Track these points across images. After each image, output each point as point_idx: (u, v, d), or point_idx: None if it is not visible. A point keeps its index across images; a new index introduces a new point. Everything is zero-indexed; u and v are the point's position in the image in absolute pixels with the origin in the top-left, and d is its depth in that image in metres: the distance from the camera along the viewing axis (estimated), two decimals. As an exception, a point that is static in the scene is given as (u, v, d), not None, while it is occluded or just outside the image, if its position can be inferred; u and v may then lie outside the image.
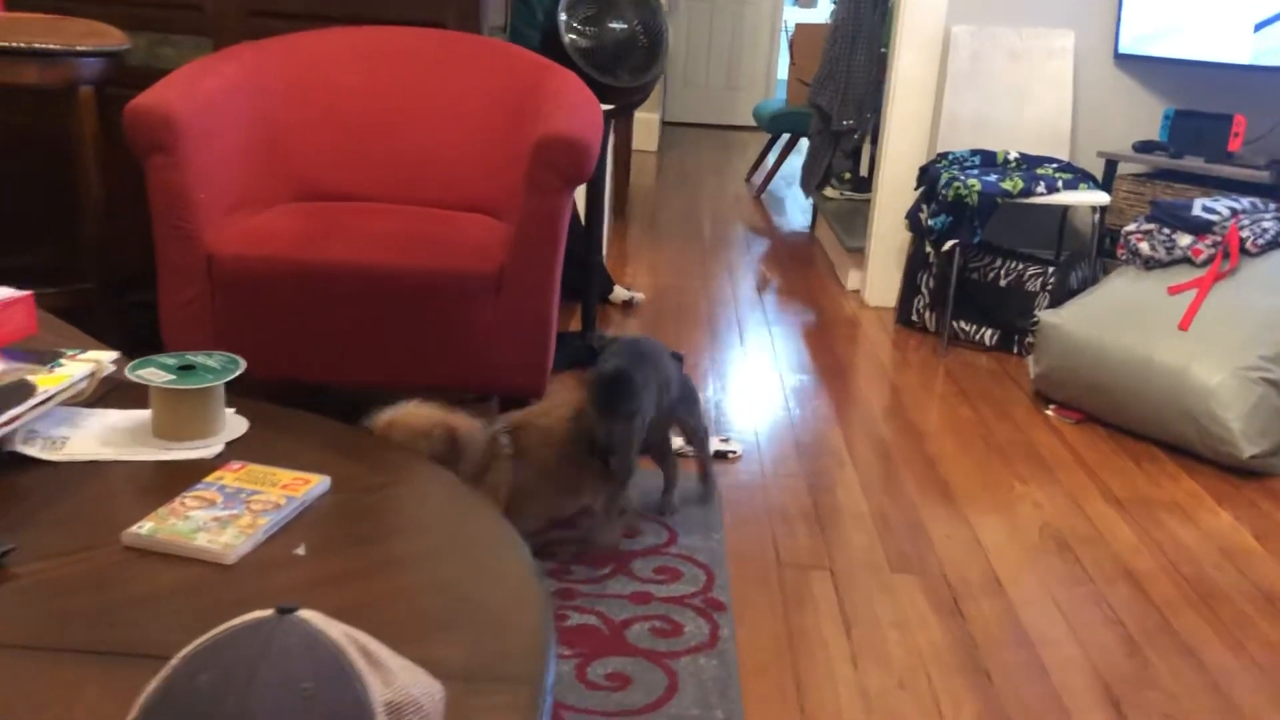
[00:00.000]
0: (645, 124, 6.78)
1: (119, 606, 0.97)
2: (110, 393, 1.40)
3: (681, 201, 5.55)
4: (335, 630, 0.73)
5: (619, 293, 3.73)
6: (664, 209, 5.35)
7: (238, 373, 1.28)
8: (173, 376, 1.26)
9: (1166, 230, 2.92)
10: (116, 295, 2.59)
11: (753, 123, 7.94)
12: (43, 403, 1.24)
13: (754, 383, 3.09)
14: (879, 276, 3.87)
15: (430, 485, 1.24)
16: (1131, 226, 3.02)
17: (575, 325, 3.37)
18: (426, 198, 2.57)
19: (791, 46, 5.76)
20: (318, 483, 1.18)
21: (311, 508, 1.16)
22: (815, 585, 2.05)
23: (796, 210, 5.56)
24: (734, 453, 2.56)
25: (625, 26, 2.85)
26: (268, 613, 0.73)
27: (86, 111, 2.41)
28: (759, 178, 6.24)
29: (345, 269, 2.15)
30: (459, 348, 2.24)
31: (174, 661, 0.72)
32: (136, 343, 2.16)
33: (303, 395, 2.51)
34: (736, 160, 6.93)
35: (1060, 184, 3.34)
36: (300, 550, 1.07)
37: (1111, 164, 3.60)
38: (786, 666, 1.79)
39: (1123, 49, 3.60)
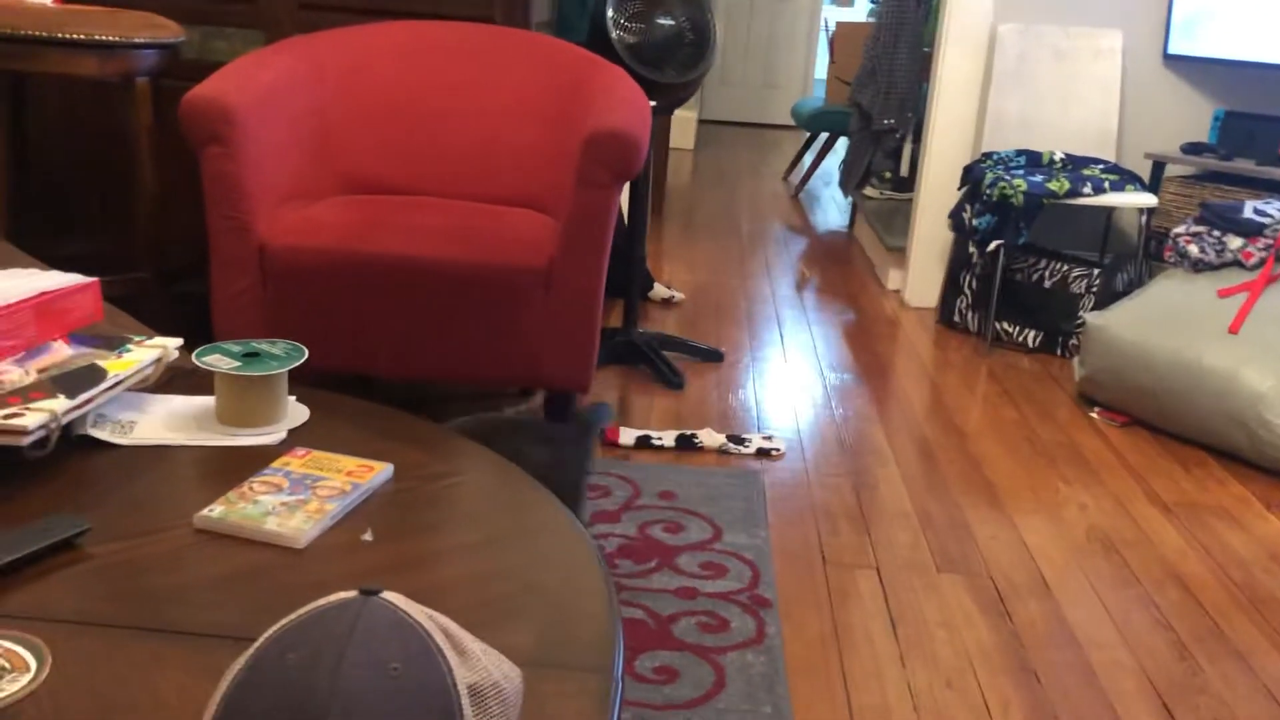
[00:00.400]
0: (682, 122, 6.78)
1: (193, 588, 0.99)
2: (174, 379, 1.42)
3: (719, 199, 5.55)
4: (418, 612, 0.74)
5: (659, 290, 3.73)
6: (701, 207, 5.34)
7: (301, 360, 1.30)
8: (238, 363, 1.27)
9: (1216, 233, 2.89)
10: (167, 285, 2.62)
11: (790, 121, 7.92)
12: (112, 387, 1.26)
13: (795, 381, 3.09)
14: (920, 276, 3.85)
15: (491, 474, 1.25)
16: (1180, 229, 3.00)
17: (615, 321, 3.38)
18: (474, 192, 2.58)
19: (832, 45, 5.75)
20: (381, 470, 1.19)
21: (376, 494, 1.17)
22: (861, 583, 2.04)
23: (834, 209, 5.55)
24: (777, 450, 2.56)
25: (672, 23, 2.85)
26: (352, 594, 0.74)
27: (143, 103, 2.44)
28: (797, 176, 6.22)
29: (396, 261, 2.16)
30: (506, 342, 2.25)
31: (261, 641, 0.73)
32: (186, 332, 2.18)
33: (351, 386, 2.54)
34: (773, 159, 6.91)
35: (1107, 185, 3.31)
36: (367, 536, 1.08)
37: (1159, 165, 3.56)
38: (833, 664, 1.79)
39: (1172, 49, 3.57)
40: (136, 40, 2.35)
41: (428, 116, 2.61)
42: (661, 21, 2.86)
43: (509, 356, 2.27)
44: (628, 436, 2.56)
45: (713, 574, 2.00)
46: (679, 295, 3.74)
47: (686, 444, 2.55)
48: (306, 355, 1.31)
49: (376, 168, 2.57)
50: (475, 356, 2.26)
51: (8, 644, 0.86)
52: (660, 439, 2.55)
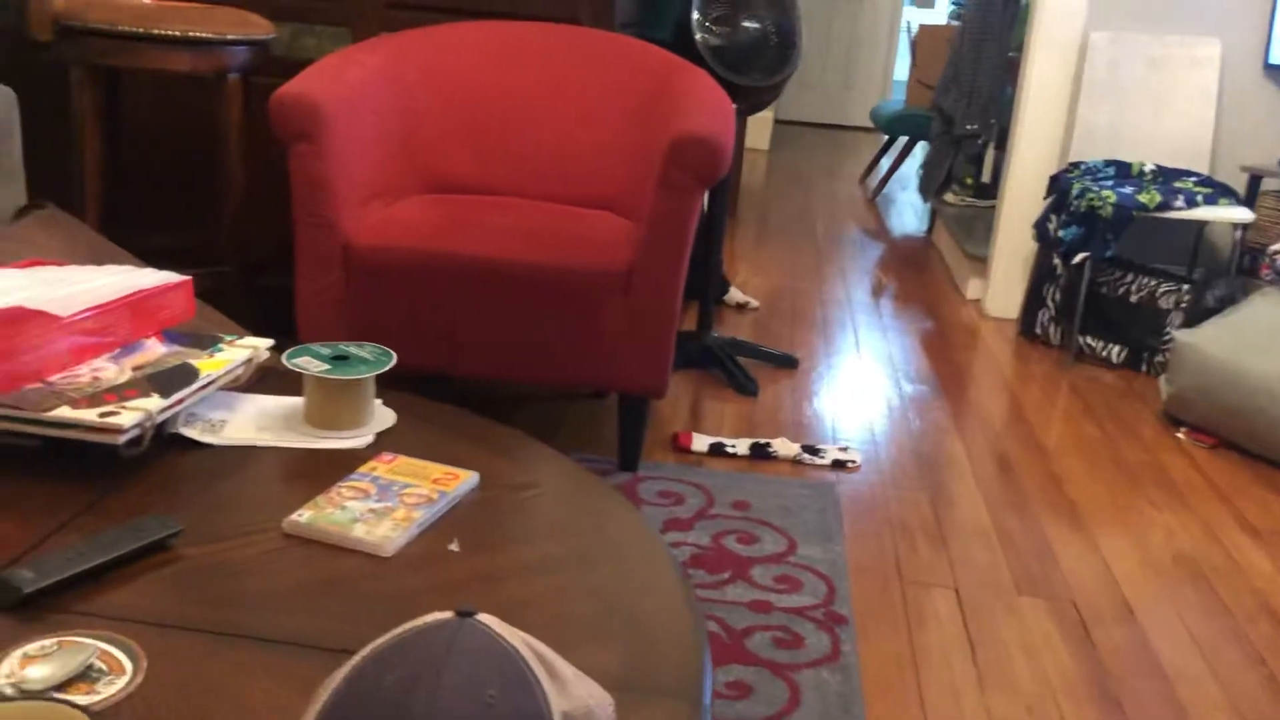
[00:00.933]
0: (758, 122, 6.73)
1: (283, 594, 0.99)
2: (264, 378, 1.43)
3: (794, 202, 5.49)
4: (514, 637, 0.73)
5: (734, 295, 3.71)
6: (776, 209, 5.30)
7: (390, 365, 1.30)
8: (327, 366, 1.28)
9: (1317, 251, 2.79)
10: (250, 278, 2.66)
11: (868, 123, 7.83)
12: (204, 387, 1.27)
13: (870, 390, 3.04)
14: (1001, 286, 3.78)
15: (575, 485, 1.24)
16: (1277, 246, 2.89)
17: (689, 325, 3.36)
18: (554, 193, 2.58)
19: (914, 48, 5.66)
20: (467, 478, 1.19)
21: (461, 503, 1.17)
22: (938, 603, 2.00)
23: (912, 215, 5.46)
24: (853, 462, 2.52)
25: (758, 26, 2.82)
26: (448, 615, 0.73)
27: (233, 99, 2.47)
28: (874, 180, 6.14)
29: (478, 263, 2.17)
30: (584, 344, 2.24)
31: (358, 660, 0.72)
32: (268, 325, 2.21)
33: (430, 382, 2.55)
34: (850, 161, 6.83)
35: (1200, 199, 3.21)
36: (454, 546, 1.08)
37: (1256, 179, 3.45)
38: (910, 686, 1.75)
39: (1274, 59, 3.45)
40: (229, 37, 2.38)
41: (510, 117, 2.62)
42: (747, 25, 2.83)
43: (585, 359, 2.26)
44: (700, 443, 2.54)
45: (787, 588, 1.97)
46: (754, 302, 3.71)
47: (760, 452, 2.52)
48: (395, 360, 1.31)
49: (458, 167, 2.58)
50: (552, 358, 2.26)
51: (104, 646, 0.87)
52: (734, 446, 2.53)
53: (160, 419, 1.19)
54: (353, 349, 1.33)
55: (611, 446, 2.49)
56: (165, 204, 2.89)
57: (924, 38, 5.57)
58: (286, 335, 2.09)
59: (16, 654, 0.85)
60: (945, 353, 3.41)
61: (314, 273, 2.22)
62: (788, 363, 3.17)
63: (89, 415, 1.15)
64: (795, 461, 2.52)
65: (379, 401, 1.36)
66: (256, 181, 2.72)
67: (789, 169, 6.41)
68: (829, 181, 6.13)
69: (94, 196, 2.41)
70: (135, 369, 1.26)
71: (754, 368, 3.10)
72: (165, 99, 2.79)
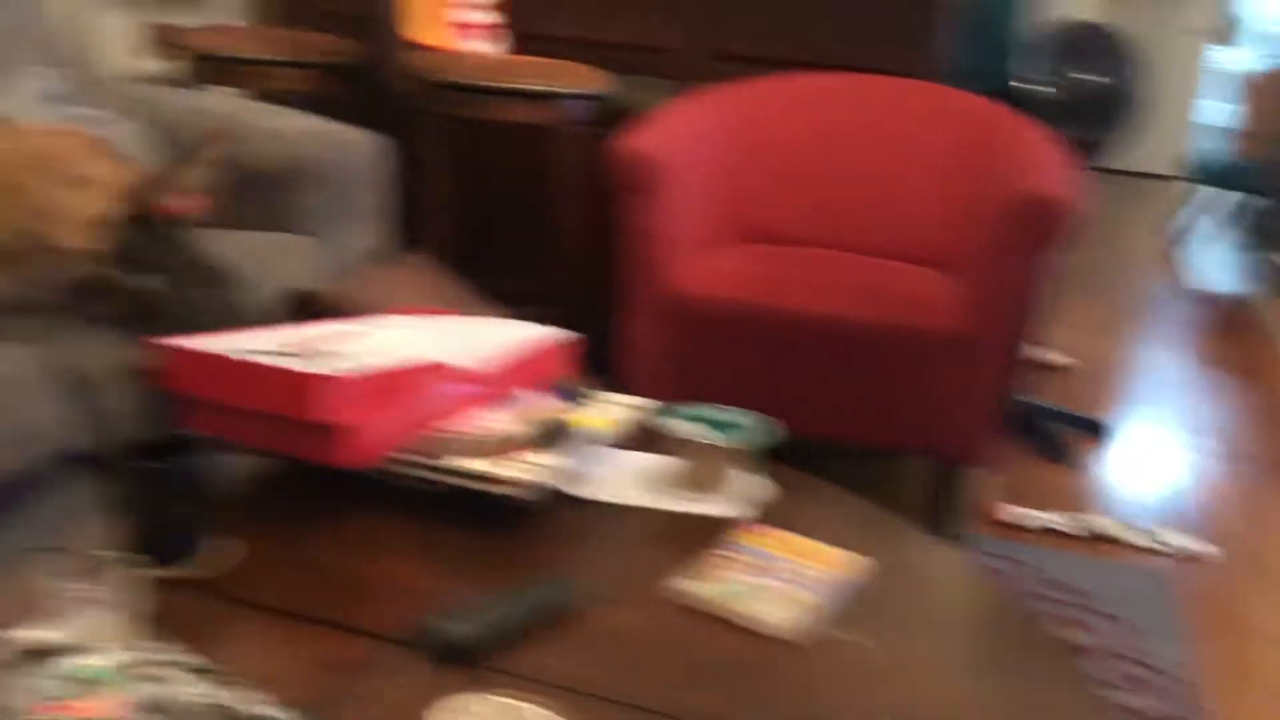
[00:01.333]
0: (1050, 169, 6.42)
1: (685, 668, 0.98)
2: (635, 436, 1.43)
3: (1092, 252, 5.19)
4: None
5: (1043, 354, 3.52)
6: (1074, 260, 5.02)
7: (775, 439, 1.28)
8: (709, 430, 1.27)
9: None
10: (580, 324, 2.74)
11: (1163, 171, 7.34)
12: (586, 443, 1.29)
13: (1193, 465, 2.80)
14: (1349, 360, 3.41)
15: (973, 584, 1.17)
16: None
17: (995, 384, 3.21)
18: (872, 246, 2.53)
19: (1248, 94, 5.26)
20: (860, 562, 1.14)
21: (854, 589, 1.12)
22: (1310, 721, 1.79)
23: (1221, 270, 5.05)
24: (1197, 551, 2.31)
25: (1095, 78, 2.67)
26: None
27: (570, 149, 2.57)
28: (1182, 232, 5.73)
29: (806, 318, 2.14)
30: (908, 405, 2.17)
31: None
32: (589, 370, 2.26)
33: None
34: (1148, 211, 6.41)
35: None
36: (861, 640, 1.03)
37: None
38: (1289, 816, 1.57)
39: None
40: (568, 90, 2.48)
41: (829, 168, 2.59)
42: (1081, 76, 2.69)
43: (908, 420, 2.19)
44: (1017, 515, 2.40)
45: (1136, 689, 1.82)
46: (1068, 360, 3.51)
47: (1086, 531, 2.35)
48: (782, 435, 1.29)
49: (776, 217, 2.57)
50: (873, 418, 2.20)
51: (540, 711, 0.88)
52: (1056, 523, 2.37)
53: (549, 476, 1.22)
54: (731, 415, 1.32)
55: (915, 511, 2.40)
56: (498, 247, 3.02)
57: (1259, 83, 5.16)
58: (607, 379, 2.13)
59: (441, 707, 0.87)
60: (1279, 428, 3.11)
61: (640, 320, 2.26)
62: (1098, 430, 2.97)
63: (493, 468, 1.18)
64: (1130, 545, 2.34)
65: (758, 472, 1.34)
66: (583, 228, 2.80)
67: (1086, 217, 6.07)
68: (1128, 231, 5.77)
69: (447, 241, 2.55)
70: (526, 422, 1.29)
71: (1062, 434, 2.92)
72: (501, 146, 2.93)
